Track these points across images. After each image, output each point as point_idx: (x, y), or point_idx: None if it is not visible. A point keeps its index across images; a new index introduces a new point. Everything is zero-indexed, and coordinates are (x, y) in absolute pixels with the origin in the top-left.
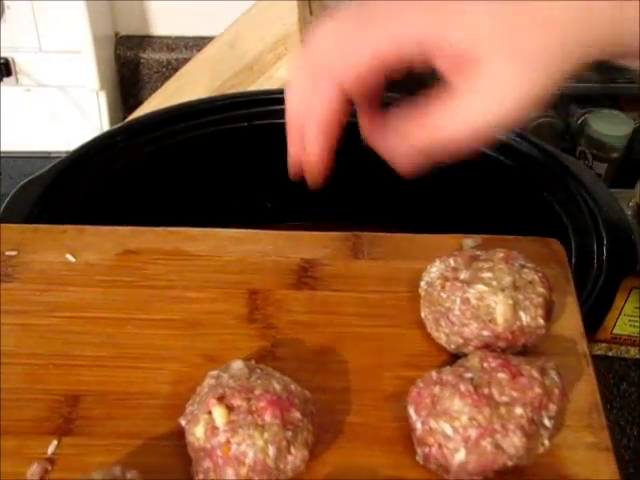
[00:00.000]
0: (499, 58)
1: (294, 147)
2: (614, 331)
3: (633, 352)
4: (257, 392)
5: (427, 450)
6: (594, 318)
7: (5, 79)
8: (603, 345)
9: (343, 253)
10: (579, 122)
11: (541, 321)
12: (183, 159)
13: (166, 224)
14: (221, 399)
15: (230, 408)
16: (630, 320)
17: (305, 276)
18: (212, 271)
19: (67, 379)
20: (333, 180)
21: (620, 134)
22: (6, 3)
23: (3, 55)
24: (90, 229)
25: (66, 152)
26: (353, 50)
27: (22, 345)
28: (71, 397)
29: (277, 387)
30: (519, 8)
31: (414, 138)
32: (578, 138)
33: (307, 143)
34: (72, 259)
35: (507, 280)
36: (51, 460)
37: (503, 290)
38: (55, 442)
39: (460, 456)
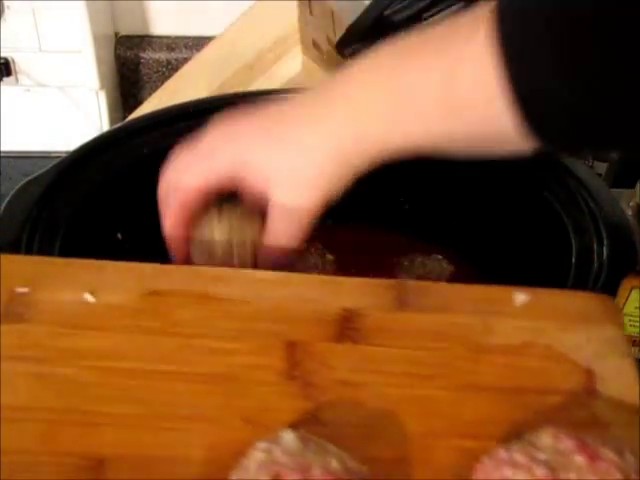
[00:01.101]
0: (284, 187)
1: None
2: None
3: (633, 352)
4: (315, 471)
5: None
6: None
7: (5, 79)
8: None
9: (387, 303)
10: None
11: None
12: None
13: None
14: (277, 478)
15: None
16: (630, 320)
17: (347, 327)
18: (246, 319)
19: (87, 440)
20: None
21: None
22: (6, 3)
23: (3, 55)
24: (111, 265)
25: (66, 152)
26: (188, 179)
27: (36, 398)
28: (93, 461)
29: (335, 465)
30: (291, 146)
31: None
32: None
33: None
34: (91, 299)
35: None
36: None
37: None
38: None
39: None
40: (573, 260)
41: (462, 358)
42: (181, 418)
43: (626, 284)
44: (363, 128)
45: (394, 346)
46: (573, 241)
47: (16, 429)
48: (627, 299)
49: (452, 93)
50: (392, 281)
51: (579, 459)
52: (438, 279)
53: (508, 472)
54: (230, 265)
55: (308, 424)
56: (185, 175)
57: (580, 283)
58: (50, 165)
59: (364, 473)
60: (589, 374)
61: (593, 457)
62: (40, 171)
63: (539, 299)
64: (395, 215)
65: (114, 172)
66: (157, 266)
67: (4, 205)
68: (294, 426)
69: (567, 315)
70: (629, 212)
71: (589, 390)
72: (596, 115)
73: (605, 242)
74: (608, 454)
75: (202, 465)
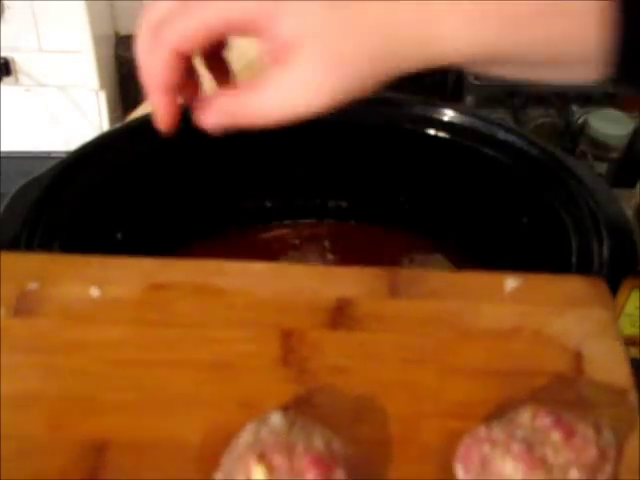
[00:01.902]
0: (314, 55)
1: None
2: None
3: (634, 352)
4: (299, 450)
5: None
6: None
7: (5, 79)
8: None
9: (380, 291)
10: (579, 122)
11: None
12: (183, 159)
13: (167, 224)
14: (261, 458)
15: (270, 467)
16: (631, 320)
17: (340, 315)
18: (244, 309)
19: (93, 426)
20: (333, 179)
21: (620, 134)
22: (6, 3)
23: (3, 55)
24: (114, 261)
25: (66, 152)
26: (186, 16)
27: (44, 387)
28: (98, 445)
29: (319, 445)
30: (345, 11)
31: (224, 109)
32: (578, 138)
33: (152, 102)
34: (97, 293)
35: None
36: None
37: None
38: None
39: None
40: (573, 260)
41: (451, 342)
42: (180, 404)
43: (626, 284)
44: (433, 28)
45: (386, 332)
46: (573, 241)
47: (22, 416)
48: (627, 299)
49: None
50: (384, 270)
51: (555, 435)
52: None
53: (487, 449)
54: None
55: (300, 407)
56: (186, 10)
57: None
58: (50, 165)
59: (347, 453)
60: (577, 356)
61: (569, 433)
62: (40, 171)
63: (529, 284)
64: (395, 215)
65: (114, 172)
66: (159, 260)
67: (4, 205)
68: (286, 408)
69: (557, 299)
70: (629, 212)
71: (577, 372)
72: None
73: (605, 242)
74: (585, 430)
75: (200, 448)
